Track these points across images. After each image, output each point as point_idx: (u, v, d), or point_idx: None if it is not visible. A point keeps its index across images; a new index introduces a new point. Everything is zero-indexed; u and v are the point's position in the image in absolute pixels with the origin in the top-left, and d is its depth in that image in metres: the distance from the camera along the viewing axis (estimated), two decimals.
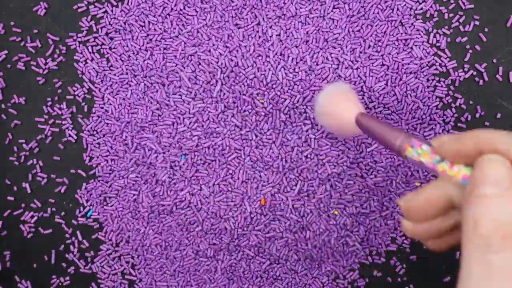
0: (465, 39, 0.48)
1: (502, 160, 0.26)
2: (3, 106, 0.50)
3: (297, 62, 0.47)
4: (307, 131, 0.48)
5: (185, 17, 0.48)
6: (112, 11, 0.49)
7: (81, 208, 0.51)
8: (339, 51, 0.47)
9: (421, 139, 0.34)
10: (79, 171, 0.50)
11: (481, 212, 0.25)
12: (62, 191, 0.51)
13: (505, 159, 0.26)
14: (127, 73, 0.49)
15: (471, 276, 0.24)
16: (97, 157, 0.50)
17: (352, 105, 0.42)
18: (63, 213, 0.51)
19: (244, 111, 0.48)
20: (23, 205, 0.51)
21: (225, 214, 0.49)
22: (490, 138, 0.27)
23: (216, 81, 0.48)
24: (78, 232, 0.51)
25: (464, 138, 0.29)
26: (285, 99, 0.47)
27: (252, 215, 0.49)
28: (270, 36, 0.47)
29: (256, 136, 0.48)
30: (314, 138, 0.48)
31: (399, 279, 0.50)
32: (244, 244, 0.49)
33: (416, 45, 0.48)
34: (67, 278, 0.51)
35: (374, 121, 0.38)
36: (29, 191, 0.51)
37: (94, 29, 0.49)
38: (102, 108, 0.50)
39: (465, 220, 0.25)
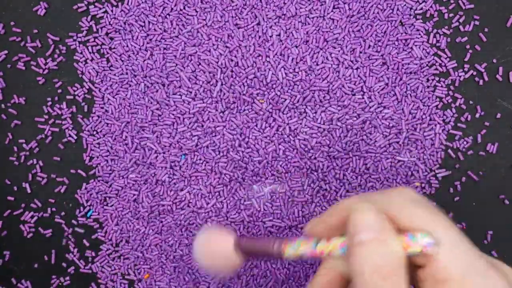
0: (465, 39, 0.48)
1: (368, 207, 0.27)
2: (3, 106, 0.50)
3: (297, 62, 0.47)
4: (306, 131, 0.48)
5: (185, 17, 0.48)
6: (112, 11, 0.49)
7: (81, 208, 0.51)
8: (339, 51, 0.47)
9: (294, 238, 0.35)
10: (79, 171, 0.50)
11: (359, 261, 0.26)
12: (62, 191, 0.51)
13: (371, 205, 0.27)
14: (127, 73, 0.49)
15: None
16: (97, 157, 0.50)
17: (226, 236, 0.42)
18: (63, 213, 0.51)
19: (244, 110, 0.48)
20: (23, 205, 0.51)
21: (225, 214, 0.49)
22: (351, 204, 0.28)
23: (216, 81, 0.48)
24: (78, 232, 0.51)
25: (329, 212, 0.30)
26: (285, 99, 0.47)
27: (253, 216, 0.49)
28: (270, 36, 0.47)
29: (256, 136, 0.48)
30: (315, 139, 0.48)
31: None
32: None
33: (416, 45, 0.48)
34: (67, 278, 0.51)
35: (250, 240, 0.39)
36: (29, 191, 0.51)
37: (94, 29, 0.49)
38: (102, 108, 0.50)
39: (351, 274, 0.26)
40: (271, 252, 0.37)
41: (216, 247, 0.42)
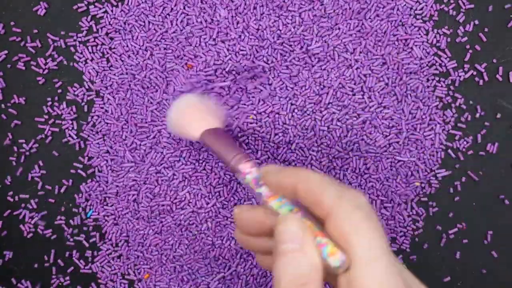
0: (465, 39, 0.48)
1: (297, 219, 0.29)
2: (3, 106, 0.50)
3: (297, 62, 0.47)
4: (307, 129, 0.48)
5: (185, 17, 0.48)
6: (112, 11, 0.49)
7: (81, 208, 0.51)
8: (339, 50, 0.47)
9: (253, 164, 0.37)
10: (79, 171, 0.50)
11: (280, 268, 0.28)
12: (62, 191, 0.51)
13: (300, 218, 0.30)
14: (127, 73, 0.49)
15: None
16: (97, 157, 0.50)
17: (199, 121, 0.43)
18: (63, 213, 0.51)
19: (245, 112, 0.48)
20: (23, 205, 0.51)
21: (225, 214, 0.49)
22: (307, 177, 0.30)
23: (215, 80, 0.48)
24: (78, 232, 0.51)
25: (285, 172, 0.32)
26: (285, 99, 0.47)
27: None
28: (272, 37, 0.47)
29: (256, 137, 0.48)
30: (316, 139, 0.48)
31: None
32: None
33: (416, 45, 0.48)
34: (67, 278, 0.51)
35: (216, 139, 0.41)
36: (29, 191, 0.51)
37: (94, 29, 0.49)
38: (102, 108, 0.50)
39: (273, 275, 0.28)
40: (227, 162, 0.38)
41: (185, 128, 0.44)
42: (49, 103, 0.50)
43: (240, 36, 0.48)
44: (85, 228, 0.51)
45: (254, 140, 0.48)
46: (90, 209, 0.51)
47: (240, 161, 0.38)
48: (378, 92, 0.47)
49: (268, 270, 0.36)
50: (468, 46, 0.48)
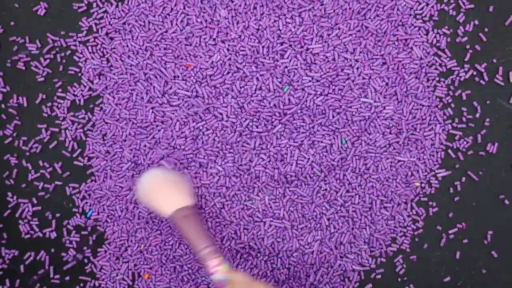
0: (465, 39, 0.48)
1: None
2: (3, 106, 0.50)
3: (296, 62, 0.47)
4: (308, 129, 0.48)
5: (185, 17, 0.48)
6: (112, 11, 0.49)
7: (81, 208, 0.51)
8: (339, 50, 0.47)
9: (220, 261, 0.40)
10: (78, 171, 0.50)
11: None
12: (61, 190, 0.51)
13: None
14: (127, 73, 0.49)
15: None
16: (97, 157, 0.50)
17: (169, 198, 0.44)
18: (63, 213, 0.51)
19: (246, 119, 0.48)
20: (22, 205, 0.51)
21: (225, 213, 0.49)
22: None
23: (215, 79, 0.48)
24: (78, 232, 0.51)
25: None
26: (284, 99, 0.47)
27: (252, 216, 0.49)
28: (272, 37, 0.47)
29: (255, 137, 0.48)
30: (316, 141, 0.48)
31: (399, 279, 0.50)
32: (245, 242, 0.49)
33: (416, 45, 0.48)
34: (67, 278, 0.51)
35: (186, 223, 0.43)
36: (29, 191, 0.51)
37: (94, 29, 0.49)
38: (102, 108, 0.50)
39: None
40: (196, 253, 0.41)
41: (155, 201, 0.44)
42: (49, 103, 0.50)
43: (240, 36, 0.48)
44: (85, 228, 0.51)
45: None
46: (90, 209, 0.51)
47: (209, 256, 0.41)
48: (378, 92, 0.47)
49: None
50: (468, 46, 0.48)
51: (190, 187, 0.46)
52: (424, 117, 0.48)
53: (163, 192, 0.44)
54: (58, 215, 0.51)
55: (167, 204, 0.44)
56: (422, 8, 0.48)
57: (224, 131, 0.48)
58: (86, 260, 0.51)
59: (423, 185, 0.49)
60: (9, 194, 0.51)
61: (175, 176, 0.46)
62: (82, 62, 0.50)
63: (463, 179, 0.49)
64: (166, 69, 0.48)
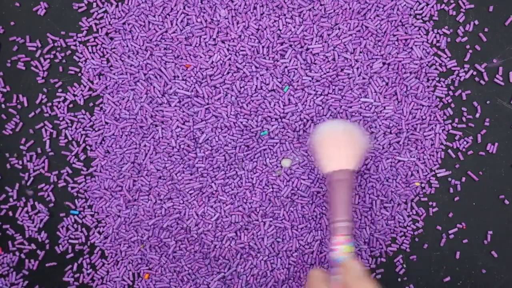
0: (465, 39, 0.48)
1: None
2: (3, 106, 0.50)
3: (296, 62, 0.47)
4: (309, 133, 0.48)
5: (185, 17, 0.48)
6: (112, 11, 0.49)
7: (80, 208, 0.51)
8: (339, 50, 0.47)
9: (346, 240, 0.40)
10: (78, 170, 0.50)
11: None
12: (61, 190, 0.51)
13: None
14: (127, 73, 0.49)
15: None
16: (97, 157, 0.50)
17: (334, 157, 0.43)
18: (62, 213, 0.51)
19: (247, 122, 0.48)
20: (22, 205, 0.51)
21: (225, 213, 0.49)
22: None
23: (214, 79, 0.48)
24: (77, 232, 0.51)
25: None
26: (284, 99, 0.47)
27: (252, 216, 0.49)
28: (272, 37, 0.47)
29: (255, 140, 0.48)
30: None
31: (399, 279, 0.50)
32: (243, 244, 0.49)
33: (416, 45, 0.48)
34: (67, 278, 0.51)
35: (337, 188, 0.41)
36: (28, 191, 0.51)
37: (94, 29, 0.49)
38: (102, 108, 0.50)
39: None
40: (330, 220, 0.42)
41: (321, 154, 0.43)
42: (49, 103, 0.50)
43: (240, 36, 0.48)
44: (85, 228, 0.51)
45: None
46: (89, 209, 0.51)
47: (337, 230, 0.40)
48: (378, 92, 0.47)
49: None
50: (468, 46, 0.48)
51: (364, 152, 0.44)
52: (424, 117, 0.48)
53: (330, 148, 0.42)
54: (57, 214, 0.51)
55: (328, 161, 0.42)
56: (422, 8, 0.48)
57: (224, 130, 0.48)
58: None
59: (423, 185, 0.49)
60: (9, 193, 0.51)
61: (354, 133, 0.44)
62: (82, 62, 0.50)
63: (463, 179, 0.49)
64: (166, 69, 0.48)
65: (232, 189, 0.48)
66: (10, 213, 0.51)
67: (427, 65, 0.48)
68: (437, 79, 0.48)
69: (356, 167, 0.43)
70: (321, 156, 0.43)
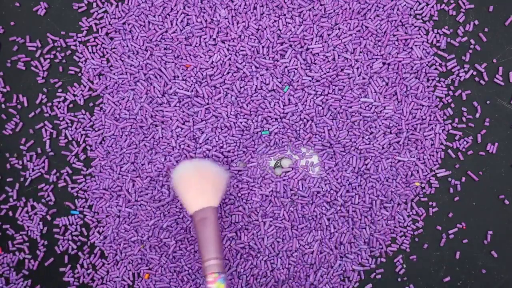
0: (465, 39, 0.48)
1: None
2: (3, 106, 0.50)
3: (296, 62, 0.47)
4: (310, 137, 0.48)
5: (185, 17, 0.48)
6: (112, 11, 0.49)
7: (80, 208, 0.51)
8: (339, 50, 0.47)
9: (217, 278, 0.40)
10: (78, 170, 0.50)
11: None
12: (61, 190, 0.51)
13: None
14: (127, 73, 0.49)
15: None
16: (97, 157, 0.50)
17: (195, 196, 0.43)
18: (62, 213, 0.51)
19: (247, 122, 0.48)
20: (22, 205, 0.51)
21: (225, 213, 0.49)
22: None
23: (214, 79, 0.48)
24: (77, 232, 0.51)
25: None
26: (283, 100, 0.47)
27: (252, 216, 0.49)
28: (272, 37, 0.47)
29: (255, 140, 0.48)
30: (318, 144, 0.48)
31: (399, 279, 0.50)
32: (244, 244, 0.49)
33: (416, 45, 0.48)
34: (67, 278, 0.51)
35: (202, 227, 0.42)
36: (28, 191, 0.51)
37: (94, 29, 0.49)
38: (102, 108, 0.50)
39: None
40: (201, 260, 0.41)
41: (182, 194, 0.43)
42: (49, 103, 0.50)
43: (240, 36, 0.48)
44: (84, 228, 0.51)
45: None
46: (88, 208, 0.51)
47: (208, 269, 0.41)
48: (378, 92, 0.47)
49: None
50: (468, 46, 0.48)
51: (224, 186, 0.45)
52: (424, 117, 0.48)
53: (191, 188, 0.43)
54: (57, 214, 0.51)
55: (190, 202, 0.43)
56: (422, 8, 0.48)
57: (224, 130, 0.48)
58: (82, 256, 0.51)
59: (423, 185, 0.49)
60: (9, 193, 0.51)
61: (212, 171, 0.44)
62: (82, 62, 0.50)
63: (463, 179, 0.49)
64: (166, 69, 0.48)
65: (232, 189, 0.48)
66: (10, 213, 0.51)
67: (427, 65, 0.48)
68: (437, 79, 0.48)
69: (217, 203, 0.43)
70: (182, 198, 0.43)
